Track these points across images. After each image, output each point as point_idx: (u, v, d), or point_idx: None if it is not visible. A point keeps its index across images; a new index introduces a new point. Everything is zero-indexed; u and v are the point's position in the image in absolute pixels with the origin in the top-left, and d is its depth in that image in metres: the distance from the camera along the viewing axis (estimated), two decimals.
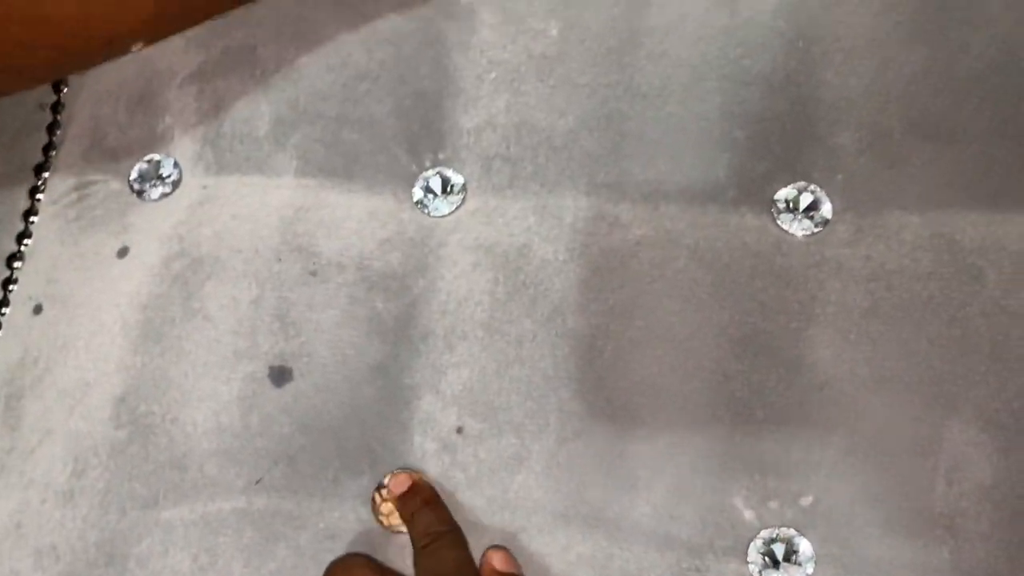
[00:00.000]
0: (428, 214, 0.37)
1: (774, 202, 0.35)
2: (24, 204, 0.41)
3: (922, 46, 0.35)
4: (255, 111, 0.39)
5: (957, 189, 0.34)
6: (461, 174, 0.37)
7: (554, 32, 0.38)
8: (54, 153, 0.41)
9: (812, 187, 0.35)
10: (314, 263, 0.36)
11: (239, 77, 0.40)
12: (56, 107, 0.43)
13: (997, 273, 0.32)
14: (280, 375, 0.35)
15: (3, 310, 0.38)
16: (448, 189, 0.37)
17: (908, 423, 0.31)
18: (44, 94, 0.42)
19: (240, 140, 0.39)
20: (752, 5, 0.37)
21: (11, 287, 0.39)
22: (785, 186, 0.35)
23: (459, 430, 0.33)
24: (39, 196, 0.41)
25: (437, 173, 0.38)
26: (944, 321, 0.32)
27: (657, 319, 0.34)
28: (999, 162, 0.34)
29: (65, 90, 0.42)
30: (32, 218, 0.40)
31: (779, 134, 0.36)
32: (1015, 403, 0.31)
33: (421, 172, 0.38)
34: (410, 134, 0.38)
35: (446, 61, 0.39)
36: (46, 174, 0.41)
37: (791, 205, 0.35)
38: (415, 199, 0.37)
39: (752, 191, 0.35)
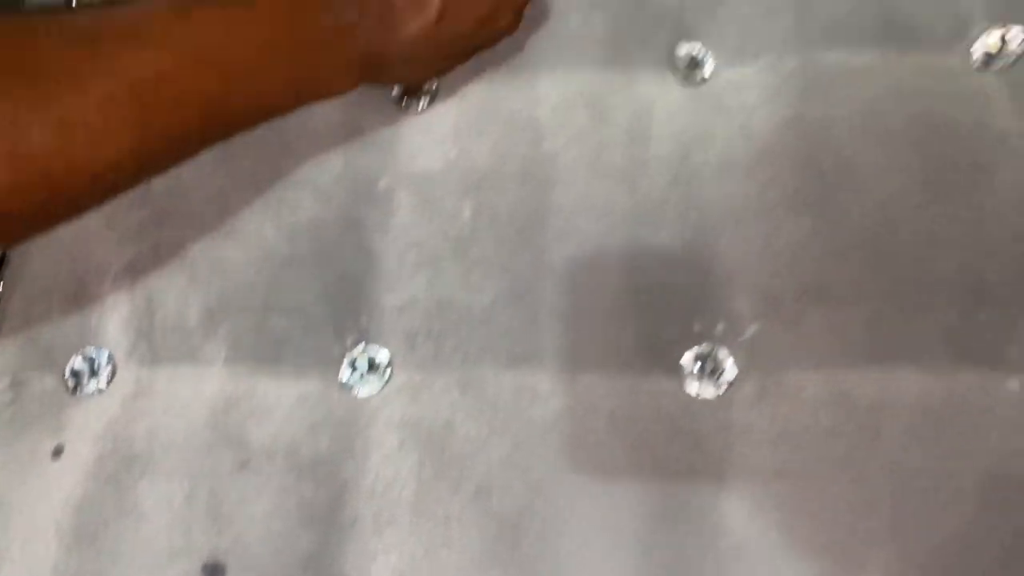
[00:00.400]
0: (355, 395, 0.38)
1: (681, 367, 0.37)
2: None
3: (807, 214, 0.38)
4: (186, 303, 0.41)
5: (849, 348, 0.36)
6: (386, 351, 0.39)
7: (467, 214, 0.40)
8: None
9: (716, 350, 0.37)
10: (245, 453, 0.37)
11: (169, 271, 0.41)
12: None
13: (892, 429, 0.34)
14: (214, 572, 0.35)
15: None
16: (374, 368, 0.39)
17: None
18: None
19: (172, 331, 0.40)
20: (650, 182, 0.40)
21: None
22: (690, 350, 0.37)
23: None
24: None
25: (363, 353, 0.39)
26: (847, 481, 0.34)
27: (579, 493, 0.35)
28: (886, 320, 0.36)
29: None
30: None
31: (682, 301, 0.38)
32: (919, 560, 0.32)
33: (347, 353, 0.39)
34: (335, 317, 0.40)
35: (367, 244, 0.41)
36: None
37: (697, 369, 0.37)
38: (342, 380, 0.39)
39: (661, 357, 0.37)
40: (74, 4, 0.44)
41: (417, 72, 0.40)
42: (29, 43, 0.30)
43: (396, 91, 0.44)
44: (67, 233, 0.43)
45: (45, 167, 0.30)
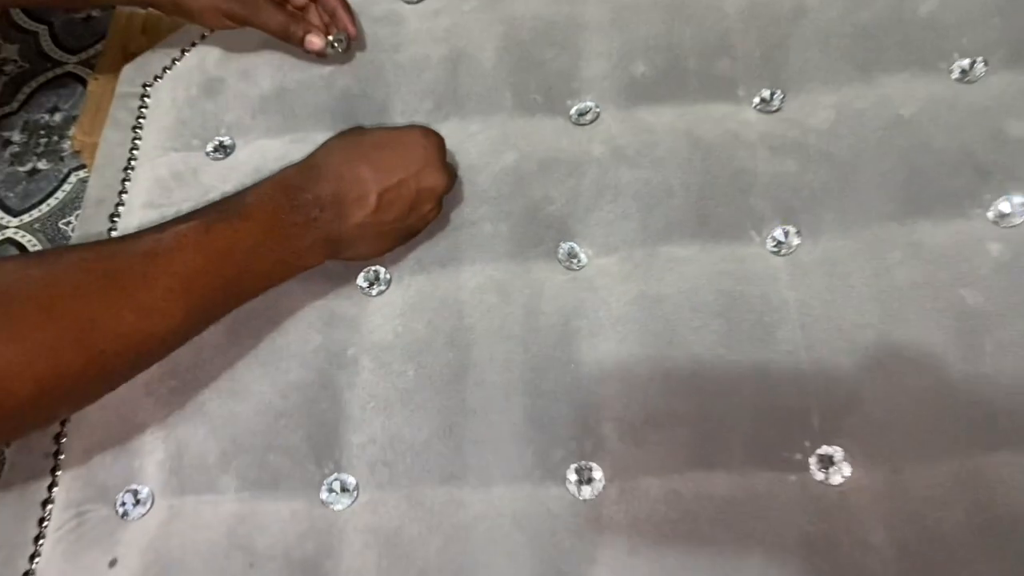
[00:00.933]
0: (332, 509, 0.53)
1: (567, 477, 0.52)
2: (34, 532, 0.55)
3: (646, 363, 0.54)
4: (205, 448, 0.55)
5: (678, 458, 0.51)
6: (354, 478, 0.54)
7: (411, 374, 0.56)
8: (56, 490, 0.56)
9: (590, 464, 0.52)
10: (252, 557, 0.51)
11: (193, 424, 0.56)
12: (56, 454, 0.58)
13: (708, 514, 0.49)
14: None
15: None
16: (345, 489, 0.53)
17: None
18: (48, 444, 0.58)
19: (196, 469, 0.55)
20: (540, 343, 0.56)
21: None
22: (571, 466, 0.52)
23: None
24: (46, 524, 0.55)
25: (336, 479, 0.54)
26: (678, 553, 0.48)
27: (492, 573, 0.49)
28: (701, 437, 0.51)
29: (64, 440, 0.58)
30: (40, 541, 0.55)
31: (566, 429, 0.53)
32: None
33: (325, 479, 0.54)
34: (316, 453, 0.55)
35: (339, 397, 0.56)
36: (51, 507, 0.56)
37: (578, 478, 0.52)
38: (322, 499, 0.53)
39: (552, 471, 0.52)
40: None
41: (367, 249, 0.56)
42: (112, 257, 0.47)
43: (361, 280, 0.61)
44: (116, 399, 0.58)
45: (130, 342, 0.46)
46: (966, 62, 0.62)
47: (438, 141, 0.58)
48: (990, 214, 0.56)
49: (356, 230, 0.54)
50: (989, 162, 0.58)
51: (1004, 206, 0.56)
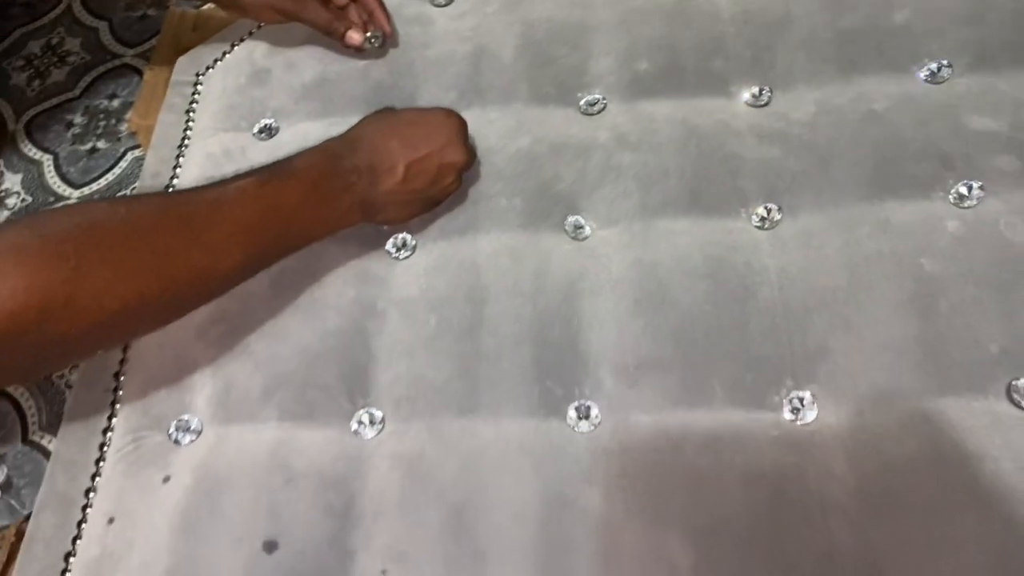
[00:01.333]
0: (362, 438, 0.60)
1: (567, 414, 0.59)
2: (95, 455, 0.62)
3: (641, 317, 0.61)
4: (250, 384, 0.63)
5: (667, 399, 0.58)
6: (381, 411, 0.61)
7: (432, 323, 0.63)
8: (115, 420, 0.64)
9: (589, 403, 0.59)
10: (290, 474, 0.58)
11: (239, 363, 0.63)
12: (115, 390, 0.65)
13: (693, 447, 0.56)
14: (270, 547, 0.56)
15: (83, 525, 0.59)
16: (373, 422, 0.60)
17: None
18: (108, 381, 0.65)
19: (241, 402, 0.62)
20: (547, 300, 0.63)
21: (87, 510, 0.60)
22: (572, 404, 0.59)
23: (384, 572, 0.54)
24: (106, 448, 0.63)
25: (366, 411, 0.61)
26: (662, 476, 0.55)
27: (500, 490, 0.56)
28: (687, 381, 0.58)
29: (122, 379, 0.66)
30: (101, 463, 0.62)
31: (568, 372, 0.60)
32: (700, 524, 0.53)
33: (355, 412, 0.61)
34: (349, 390, 0.62)
35: (369, 343, 0.63)
36: (110, 434, 0.63)
37: (578, 415, 0.59)
38: (352, 429, 0.60)
39: (554, 408, 0.59)
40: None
41: (396, 214, 0.64)
42: (185, 203, 0.54)
43: (390, 246, 0.68)
44: (170, 341, 0.65)
45: (197, 275, 0.53)
46: (934, 65, 0.70)
47: (460, 122, 0.65)
48: (951, 196, 0.63)
49: (386, 196, 0.62)
50: (951, 152, 0.65)
51: (963, 189, 0.63)
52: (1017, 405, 0.55)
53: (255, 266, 0.57)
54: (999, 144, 0.65)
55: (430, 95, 0.77)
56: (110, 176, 0.91)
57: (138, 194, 0.76)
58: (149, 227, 0.51)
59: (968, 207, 0.63)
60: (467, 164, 0.65)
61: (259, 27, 0.84)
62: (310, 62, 0.80)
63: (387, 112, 0.65)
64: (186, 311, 0.55)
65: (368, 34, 0.76)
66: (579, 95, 0.74)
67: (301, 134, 0.76)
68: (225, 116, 0.79)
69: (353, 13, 0.78)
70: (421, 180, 0.63)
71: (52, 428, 0.65)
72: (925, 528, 0.51)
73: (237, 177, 0.57)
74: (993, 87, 0.68)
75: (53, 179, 0.89)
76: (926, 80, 0.69)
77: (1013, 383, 0.55)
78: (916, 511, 0.52)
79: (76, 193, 0.88)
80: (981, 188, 0.63)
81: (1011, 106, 0.66)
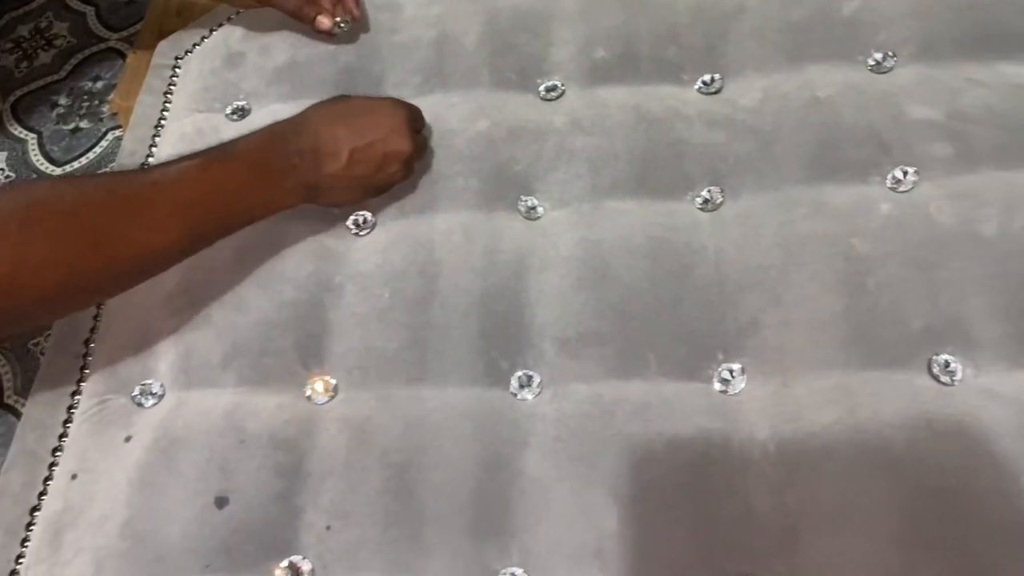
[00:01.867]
0: (314, 403, 0.63)
1: (510, 383, 0.61)
2: (63, 416, 0.65)
3: (583, 291, 0.64)
4: (210, 351, 0.65)
5: (604, 368, 0.61)
6: (335, 379, 0.64)
7: (386, 296, 0.66)
8: (83, 384, 0.67)
9: (531, 373, 0.62)
10: (243, 436, 0.61)
11: (201, 331, 0.66)
12: (85, 356, 0.68)
13: (623, 414, 0.58)
14: (221, 502, 0.58)
15: (49, 481, 0.62)
16: (327, 389, 0.63)
17: None
18: (78, 348, 0.68)
19: (200, 368, 0.65)
20: (497, 275, 0.65)
21: (54, 467, 0.63)
22: (516, 373, 0.62)
23: (328, 527, 0.57)
24: (73, 410, 0.66)
25: (320, 379, 0.64)
26: (592, 443, 0.58)
27: (439, 453, 0.59)
28: (625, 352, 0.61)
29: (92, 345, 0.69)
30: (68, 424, 0.65)
31: (513, 344, 0.63)
32: (624, 482, 0.56)
33: (309, 379, 0.64)
34: (303, 358, 0.65)
35: (325, 315, 0.66)
36: (78, 397, 0.66)
37: (519, 383, 0.61)
38: (307, 395, 0.63)
39: (499, 378, 0.62)
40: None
41: (339, 197, 0.67)
42: (127, 183, 0.57)
43: (350, 223, 0.71)
44: (137, 308, 0.68)
45: (136, 252, 0.56)
46: (879, 55, 0.72)
47: (408, 113, 0.68)
48: (887, 180, 0.66)
49: (329, 180, 0.65)
50: (890, 138, 0.67)
51: (899, 174, 0.66)
52: (936, 379, 0.57)
53: (196, 244, 0.60)
54: (935, 132, 0.67)
55: (396, 79, 0.79)
56: (91, 155, 0.95)
57: (82, 174, 0.79)
58: (90, 205, 0.54)
59: (903, 191, 0.65)
60: (411, 153, 0.67)
61: (238, 13, 0.87)
62: (282, 46, 0.83)
63: (338, 99, 0.68)
64: (127, 286, 0.58)
65: (337, 19, 0.79)
66: (538, 81, 0.77)
67: (272, 115, 0.78)
68: (200, 98, 0.82)
69: None
70: (364, 167, 0.65)
71: (26, 392, 0.68)
72: (839, 492, 0.54)
73: (183, 158, 0.60)
74: (934, 78, 0.70)
75: (37, 157, 0.93)
76: (871, 69, 0.72)
77: (933, 358, 0.58)
78: (831, 476, 0.55)
79: (58, 171, 0.91)
80: (916, 173, 0.65)
81: (949, 96, 0.68)
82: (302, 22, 0.80)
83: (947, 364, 0.57)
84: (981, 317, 0.58)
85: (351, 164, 0.64)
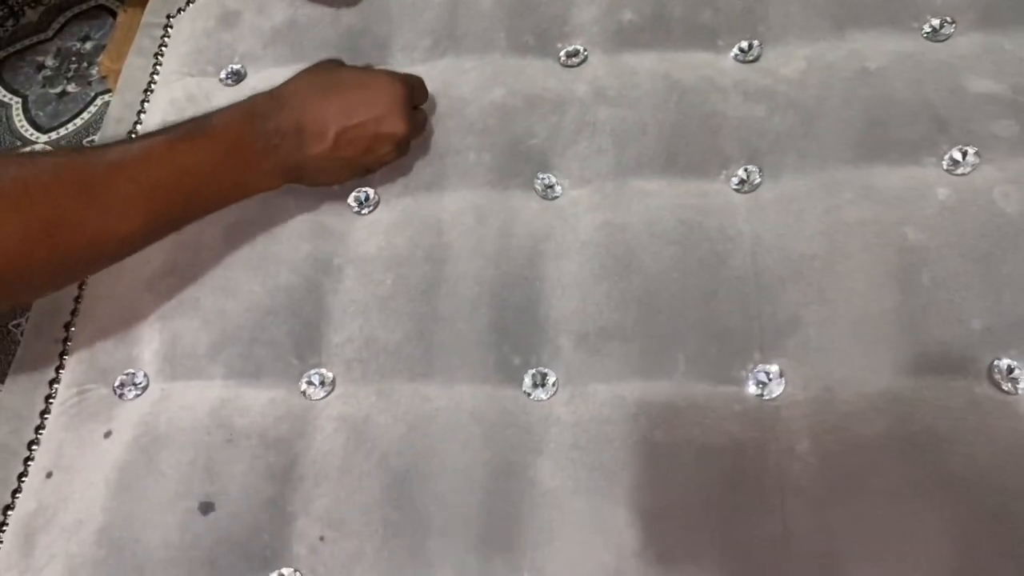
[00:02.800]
0: (309, 399, 0.57)
1: (523, 381, 0.56)
2: (40, 406, 0.61)
3: (606, 282, 0.58)
4: (197, 340, 0.60)
5: (625, 368, 0.55)
6: (331, 372, 0.58)
7: (389, 282, 0.61)
8: (62, 371, 0.62)
9: (546, 371, 0.56)
10: (231, 434, 0.56)
11: (187, 318, 0.61)
12: (65, 341, 0.63)
13: (648, 417, 0.53)
14: (206, 508, 0.54)
15: (23, 478, 0.58)
16: (323, 382, 0.58)
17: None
18: (58, 331, 0.63)
19: (187, 358, 0.60)
20: (510, 262, 0.60)
21: (29, 463, 0.58)
22: (529, 371, 0.56)
23: (322, 538, 0.52)
24: (51, 400, 0.61)
25: (315, 372, 0.58)
26: (614, 449, 0.52)
27: (446, 458, 0.54)
28: (648, 351, 0.55)
29: (72, 329, 0.64)
30: (46, 416, 0.60)
31: (526, 338, 0.57)
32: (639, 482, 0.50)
33: (304, 372, 0.58)
34: (298, 349, 0.59)
35: (322, 301, 0.61)
36: (56, 386, 0.61)
37: (533, 382, 0.56)
38: (302, 390, 0.58)
39: (511, 375, 0.56)
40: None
41: (324, 178, 0.61)
42: (83, 163, 0.51)
43: (352, 200, 0.65)
44: (119, 292, 0.63)
45: (91, 240, 0.50)
46: (936, 21, 0.65)
47: (404, 90, 0.61)
48: (943, 162, 0.59)
49: (313, 161, 0.58)
50: (947, 115, 0.61)
51: (957, 155, 0.59)
52: (997, 387, 0.51)
53: (161, 230, 0.54)
54: (999, 108, 0.60)
55: (404, 41, 0.73)
56: (78, 121, 0.89)
57: (37, 152, 0.73)
58: (41, 187, 0.48)
59: (961, 174, 0.58)
60: (406, 135, 0.61)
61: None
62: (281, 5, 0.77)
63: (328, 67, 0.61)
64: (82, 275, 0.53)
65: None
66: (559, 46, 0.71)
67: (268, 80, 0.72)
68: (192, 60, 0.76)
69: None
70: (353, 149, 0.59)
71: (3, 377, 0.63)
72: (888, 514, 0.48)
73: (148, 135, 0.54)
74: (998, 46, 0.63)
75: (21, 123, 0.87)
76: (927, 37, 0.65)
77: (995, 363, 0.52)
78: (879, 495, 0.49)
79: (43, 138, 0.86)
80: (976, 154, 0.59)
81: (1015, 68, 0.61)
82: None
83: (1010, 370, 0.51)
84: None
85: (338, 146, 0.58)
